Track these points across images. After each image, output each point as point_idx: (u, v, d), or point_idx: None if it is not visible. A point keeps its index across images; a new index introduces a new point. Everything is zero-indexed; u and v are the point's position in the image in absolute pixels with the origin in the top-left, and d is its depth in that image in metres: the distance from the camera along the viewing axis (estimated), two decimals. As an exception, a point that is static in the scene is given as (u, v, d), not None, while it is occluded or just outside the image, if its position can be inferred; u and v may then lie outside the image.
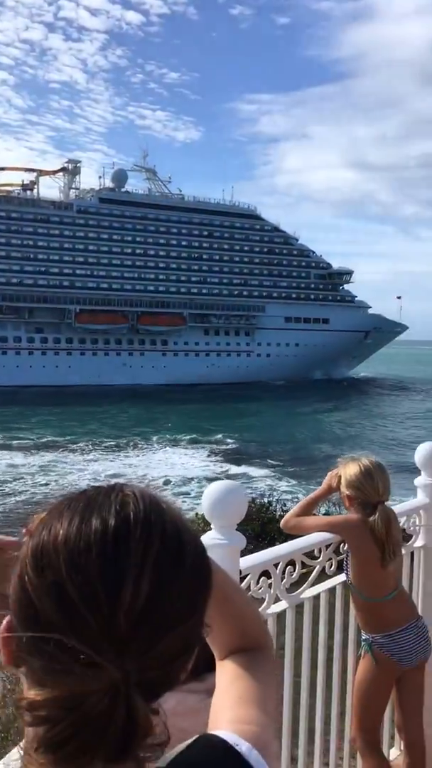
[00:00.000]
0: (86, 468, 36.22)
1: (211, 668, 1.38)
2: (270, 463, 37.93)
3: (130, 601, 0.91)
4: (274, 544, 3.58)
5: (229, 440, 45.33)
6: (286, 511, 11.16)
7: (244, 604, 1.44)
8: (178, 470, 36.16)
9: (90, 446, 42.64)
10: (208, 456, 40.78)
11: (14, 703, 0.94)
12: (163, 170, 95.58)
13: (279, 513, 11.60)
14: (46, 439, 44.47)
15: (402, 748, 4.05)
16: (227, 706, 1.20)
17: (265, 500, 13.67)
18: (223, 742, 1.06)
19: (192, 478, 33.61)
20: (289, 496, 20.58)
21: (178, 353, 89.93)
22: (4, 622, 0.99)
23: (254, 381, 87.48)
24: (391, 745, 4.32)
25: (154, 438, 45.84)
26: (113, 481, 1.02)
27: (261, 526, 10.81)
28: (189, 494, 28.88)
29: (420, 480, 4.39)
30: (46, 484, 32.10)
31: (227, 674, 1.30)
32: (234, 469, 36.23)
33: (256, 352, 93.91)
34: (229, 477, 32.36)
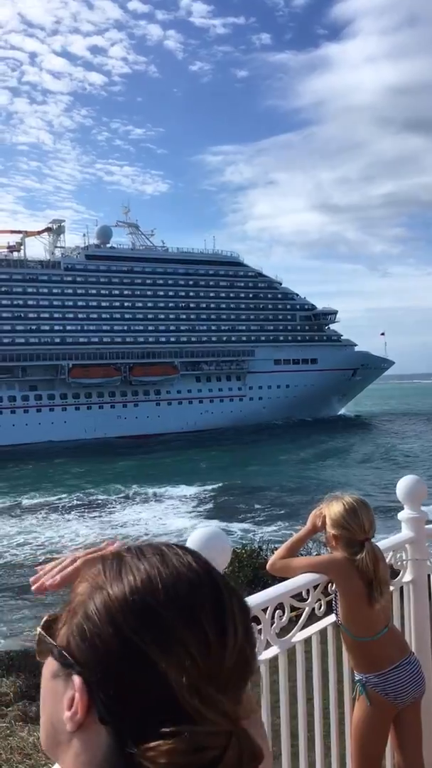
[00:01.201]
0: (66, 527, 35.68)
1: None
2: (258, 508, 37.66)
3: (232, 645, 0.94)
4: (268, 590, 3.52)
5: (218, 487, 44.90)
6: None
7: None
8: (165, 522, 35.64)
9: (74, 503, 42.12)
10: (197, 505, 40.38)
11: (139, 754, 0.90)
12: (131, 221, 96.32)
13: (270, 557, 11.53)
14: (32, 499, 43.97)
15: None
16: None
17: (256, 545, 13.47)
18: None
19: (181, 529, 33.07)
20: (279, 540, 20.37)
21: (172, 402, 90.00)
22: (78, 682, 0.95)
23: (248, 425, 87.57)
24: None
25: (147, 490, 45.23)
26: (138, 540, 1.04)
27: (253, 572, 10.67)
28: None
29: (403, 514, 4.34)
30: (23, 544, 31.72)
31: None
32: (222, 516, 35.81)
33: (248, 396, 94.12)
34: (218, 524, 32.20)
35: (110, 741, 0.92)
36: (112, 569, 0.99)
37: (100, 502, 42.21)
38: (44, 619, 1.03)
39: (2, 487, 48.41)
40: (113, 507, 40.62)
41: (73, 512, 39.48)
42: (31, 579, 1.22)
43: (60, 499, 43.10)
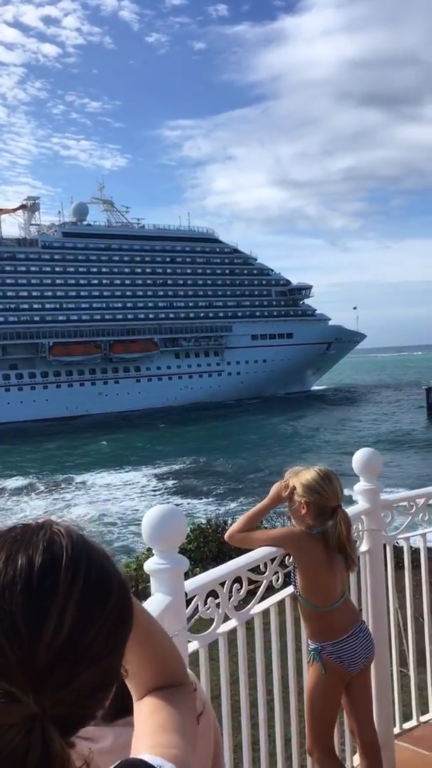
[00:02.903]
0: (25, 506, 35.53)
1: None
2: (222, 484, 37.74)
3: (51, 636, 0.91)
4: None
5: (184, 465, 44.86)
6: None
7: (164, 643, 1.41)
8: (124, 503, 35.47)
9: (49, 481, 41.85)
10: (160, 484, 40.25)
11: None
12: (89, 198, 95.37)
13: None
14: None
15: (359, 752, 3.99)
16: (147, 734, 1.21)
17: (221, 520, 13.46)
18: (147, 764, 1.06)
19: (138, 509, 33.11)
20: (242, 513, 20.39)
21: (152, 378, 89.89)
22: None
23: (227, 400, 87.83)
24: (355, 752, 4.25)
25: (128, 467, 45.28)
26: (44, 517, 1.04)
27: (218, 547, 10.64)
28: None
29: (359, 486, 4.35)
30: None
31: (146, 707, 1.30)
32: (186, 493, 35.95)
33: (226, 371, 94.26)
34: (182, 501, 32.35)
35: None
36: None
37: (58, 483, 41.82)
38: None
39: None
40: (72, 487, 40.31)
41: (31, 493, 39.17)
42: None
43: (22, 478, 42.74)
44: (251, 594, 3.45)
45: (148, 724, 1.25)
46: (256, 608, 3.52)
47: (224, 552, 10.10)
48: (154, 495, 36.66)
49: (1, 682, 0.89)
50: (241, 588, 3.30)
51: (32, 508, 34.31)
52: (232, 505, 31.56)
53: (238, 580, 3.30)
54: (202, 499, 33.87)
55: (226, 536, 3.84)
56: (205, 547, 10.42)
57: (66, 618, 0.93)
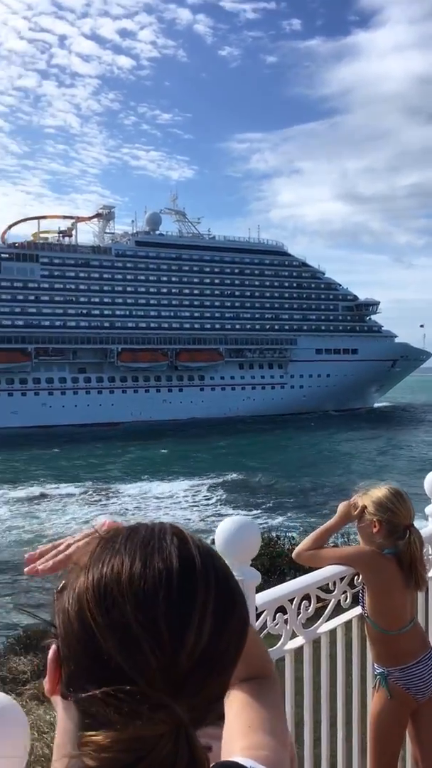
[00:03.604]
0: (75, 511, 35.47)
1: None
2: (278, 497, 37.35)
3: (193, 643, 0.91)
4: (284, 579, 3.49)
5: (243, 475, 44.45)
6: (295, 544, 10.87)
7: (250, 634, 1.44)
8: (192, 508, 35.53)
9: (98, 486, 41.88)
10: (216, 491, 40.09)
11: (77, 742, 0.90)
12: (158, 208, 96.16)
13: (287, 546, 11.32)
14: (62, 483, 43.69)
15: None
16: (238, 735, 1.20)
17: (273, 534, 13.28)
18: (240, 767, 1.06)
19: (208, 516, 33.02)
20: (296, 529, 20.07)
21: (215, 388, 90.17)
22: (51, 651, 0.98)
23: (289, 413, 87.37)
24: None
25: (179, 476, 44.87)
26: (153, 518, 1.02)
27: (270, 561, 10.56)
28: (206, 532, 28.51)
29: (430, 508, 4.26)
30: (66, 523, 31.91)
31: (235, 704, 1.29)
32: (242, 504, 35.62)
33: (289, 384, 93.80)
34: (231, 511, 32.01)
35: (80, 714, 0.94)
36: (96, 552, 0.99)
37: (114, 488, 41.73)
38: (61, 583, 1.03)
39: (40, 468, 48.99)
40: (130, 493, 40.18)
41: (85, 497, 39.30)
42: (26, 556, 1.20)
43: (77, 485, 42.57)
44: (317, 612, 3.41)
45: (237, 724, 1.24)
46: (324, 627, 3.47)
47: (276, 566, 10.05)
48: (206, 505, 36.54)
49: (145, 687, 0.88)
50: (309, 605, 3.26)
51: (83, 514, 34.33)
52: (280, 519, 31.18)
53: (306, 597, 3.26)
54: (251, 511, 33.49)
55: (294, 554, 3.79)
56: (257, 561, 10.34)
57: (205, 626, 0.93)
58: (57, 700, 0.99)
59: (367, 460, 52.22)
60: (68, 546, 1.17)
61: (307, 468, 47.29)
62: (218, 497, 38.63)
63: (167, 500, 38.26)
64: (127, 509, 35.61)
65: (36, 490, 40.64)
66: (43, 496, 39.04)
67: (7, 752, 1.17)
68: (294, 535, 13.54)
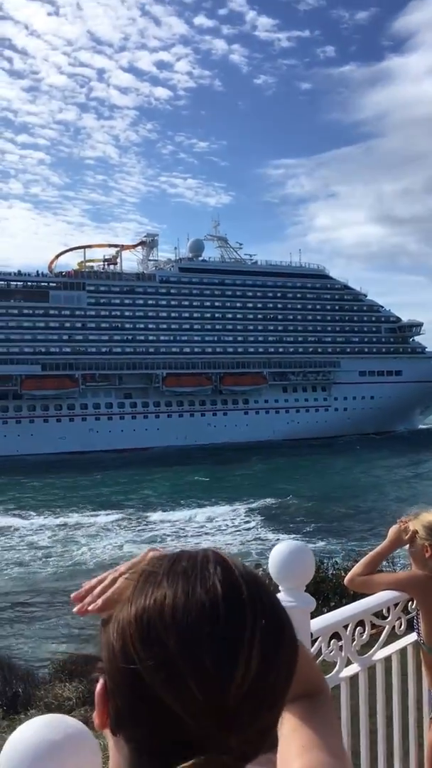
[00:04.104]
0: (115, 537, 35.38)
1: None
2: (318, 521, 36.87)
3: (241, 678, 0.87)
4: (329, 604, 3.49)
5: (284, 498, 43.91)
6: (339, 569, 10.75)
7: (302, 651, 1.40)
8: (234, 533, 35.20)
9: (137, 512, 41.73)
10: (256, 515, 39.66)
11: None
12: (199, 234, 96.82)
13: (331, 571, 11.19)
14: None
15: None
16: (293, 756, 1.17)
17: (317, 558, 13.07)
18: None
19: (249, 541, 32.71)
20: (338, 554, 19.70)
21: (259, 411, 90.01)
22: (99, 685, 0.96)
23: (333, 435, 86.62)
24: None
25: (220, 501, 44.50)
26: (195, 544, 0.98)
27: (314, 586, 10.46)
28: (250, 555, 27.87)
29: None
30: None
31: (288, 725, 1.25)
32: (282, 528, 35.20)
33: (333, 406, 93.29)
34: (272, 536, 31.54)
35: (130, 752, 0.92)
36: (139, 584, 0.96)
37: (154, 514, 41.52)
38: (105, 615, 1.03)
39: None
40: (171, 519, 39.97)
41: (124, 522, 39.17)
42: (72, 596, 1.17)
43: (117, 511, 42.46)
44: (371, 639, 3.40)
45: (292, 745, 1.20)
46: (379, 654, 3.45)
47: (320, 591, 9.91)
48: (247, 530, 36.26)
49: (197, 725, 0.86)
50: (363, 632, 3.25)
51: (122, 540, 34.29)
52: (322, 543, 30.66)
53: (360, 623, 3.25)
54: (291, 535, 33.03)
55: (346, 580, 3.76)
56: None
57: (253, 658, 0.89)
58: (107, 734, 0.97)
59: (409, 484, 51.41)
60: (114, 581, 1.12)
61: (349, 491, 46.81)
62: (258, 521, 38.40)
63: (208, 525, 38.11)
64: (166, 535, 35.54)
65: (75, 516, 40.95)
66: (80, 522, 39.17)
67: None
68: (337, 559, 13.34)
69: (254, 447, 77.60)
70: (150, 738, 0.88)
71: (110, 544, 33.55)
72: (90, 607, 1.13)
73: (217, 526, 37.69)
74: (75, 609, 1.15)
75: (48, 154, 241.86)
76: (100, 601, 1.11)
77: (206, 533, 36.04)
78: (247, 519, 39.15)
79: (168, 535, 35.29)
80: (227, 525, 38.00)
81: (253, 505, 42.51)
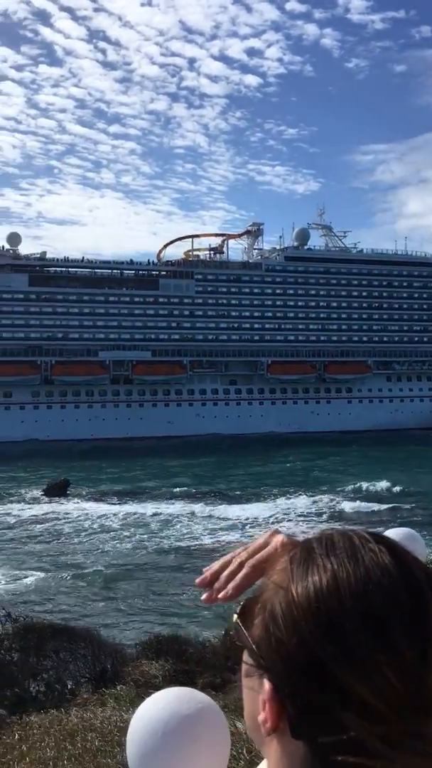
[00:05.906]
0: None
1: None
2: (427, 514, 34.80)
3: None
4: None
5: (390, 489, 42.60)
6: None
7: None
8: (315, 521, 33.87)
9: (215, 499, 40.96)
10: (342, 504, 38.44)
11: None
12: (284, 222, 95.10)
13: None
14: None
15: None
16: None
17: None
18: None
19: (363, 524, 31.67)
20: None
21: (363, 400, 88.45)
22: (267, 689, 0.84)
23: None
24: None
25: (301, 491, 42.96)
26: (345, 526, 0.90)
27: None
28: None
29: None
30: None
31: None
32: (388, 519, 33.12)
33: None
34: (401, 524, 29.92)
35: (307, 753, 0.81)
36: (299, 566, 0.85)
37: (264, 495, 41.44)
38: (241, 604, 0.92)
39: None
40: (275, 501, 39.50)
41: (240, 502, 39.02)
42: (197, 581, 1.04)
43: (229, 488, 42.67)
44: None
45: None
46: None
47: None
48: (338, 520, 34.67)
49: (391, 716, 0.77)
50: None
51: (202, 526, 33.56)
52: (428, 538, 29.05)
53: None
54: (390, 526, 31.29)
55: None
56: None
57: None
58: (273, 737, 0.85)
59: None
60: (241, 564, 1.00)
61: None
62: (355, 509, 36.95)
63: (291, 513, 36.69)
64: (246, 520, 34.59)
65: (176, 501, 40.52)
66: (157, 511, 37.95)
67: (217, 751, 1.10)
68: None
69: (356, 436, 76.16)
70: (341, 734, 0.77)
71: (200, 526, 33.03)
72: (220, 595, 1.00)
73: (316, 511, 36.73)
74: (203, 597, 1.03)
75: (139, 144, 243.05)
76: (231, 590, 0.99)
77: (290, 520, 34.64)
78: (341, 508, 37.77)
79: (246, 522, 34.23)
80: (322, 511, 36.91)
81: (351, 494, 41.55)
